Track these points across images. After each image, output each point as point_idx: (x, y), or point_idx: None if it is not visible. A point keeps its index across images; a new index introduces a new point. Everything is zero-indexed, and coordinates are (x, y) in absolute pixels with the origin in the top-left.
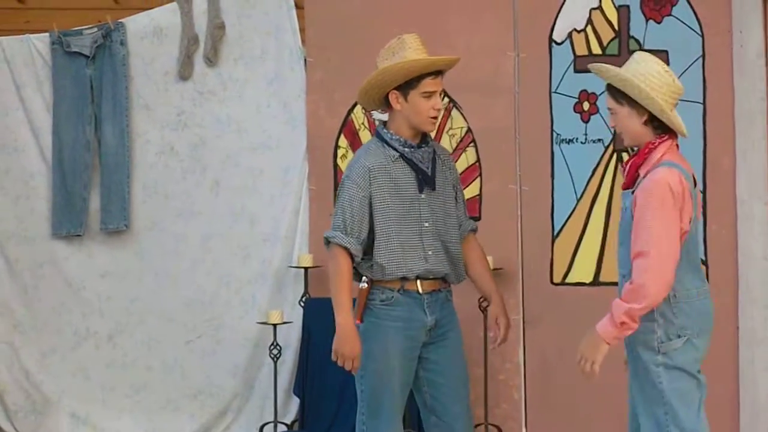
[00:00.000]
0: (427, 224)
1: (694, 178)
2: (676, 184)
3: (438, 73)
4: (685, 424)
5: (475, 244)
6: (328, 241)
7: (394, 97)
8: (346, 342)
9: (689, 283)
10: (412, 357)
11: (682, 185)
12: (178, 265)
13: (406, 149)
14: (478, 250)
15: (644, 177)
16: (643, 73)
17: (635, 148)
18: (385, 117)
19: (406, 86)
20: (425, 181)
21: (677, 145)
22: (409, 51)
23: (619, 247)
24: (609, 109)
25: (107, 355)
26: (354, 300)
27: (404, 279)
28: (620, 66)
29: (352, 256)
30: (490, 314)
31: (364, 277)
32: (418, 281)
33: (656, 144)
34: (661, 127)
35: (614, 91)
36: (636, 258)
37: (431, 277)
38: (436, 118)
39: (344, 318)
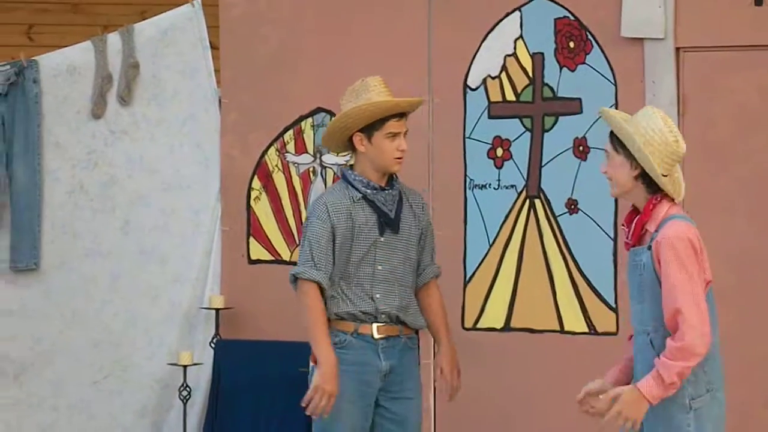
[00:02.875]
0: (380, 267)
1: None
2: (695, 237)
3: (402, 114)
4: None
5: (435, 291)
6: (294, 278)
7: (359, 139)
8: (330, 380)
9: (713, 338)
10: (367, 403)
11: (700, 240)
12: (86, 304)
13: (369, 191)
14: (436, 298)
15: (656, 232)
16: (645, 127)
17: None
18: (299, 159)
19: (369, 128)
20: (387, 223)
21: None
22: (373, 93)
23: (636, 304)
24: (606, 151)
25: (13, 395)
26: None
27: (358, 321)
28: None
29: (322, 291)
30: (435, 363)
31: (326, 317)
32: (373, 326)
33: (659, 200)
34: (652, 186)
35: (614, 137)
36: (677, 315)
37: (384, 319)
38: (401, 158)
39: (326, 354)
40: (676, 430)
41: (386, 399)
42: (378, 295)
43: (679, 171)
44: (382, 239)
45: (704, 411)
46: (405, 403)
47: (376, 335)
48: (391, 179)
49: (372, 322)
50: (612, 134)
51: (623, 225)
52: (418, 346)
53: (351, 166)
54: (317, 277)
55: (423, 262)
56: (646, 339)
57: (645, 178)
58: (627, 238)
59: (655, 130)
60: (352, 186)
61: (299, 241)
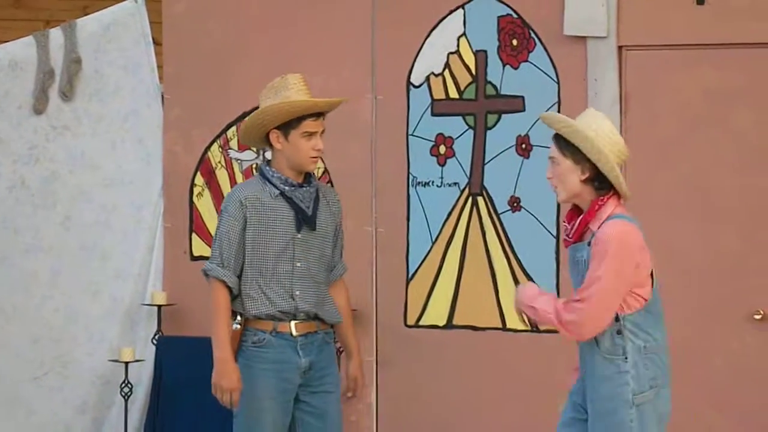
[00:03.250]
0: (299, 264)
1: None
2: (634, 237)
3: (319, 114)
4: None
5: (343, 290)
6: (206, 274)
7: (275, 136)
8: (224, 376)
9: (657, 334)
10: (287, 399)
11: (639, 239)
12: (26, 300)
13: (287, 187)
14: (344, 297)
15: (598, 229)
16: (596, 128)
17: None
18: (242, 156)
19: (286, 126)
20: (304, 220)
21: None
22: (292, 91)
23: None
24: (550, 158)
25: None
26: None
27: (276, 320)
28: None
29: (230, 289)
30: (349, 373)
31: (237, 318)
32: (292, 323)
33: (605, 201)
34: (601, 188)
35: (561, 142)
36: (580, 301)
37: (303, 317)
38: (316, 158)
39: (222, 352)
40: (620, 425)
41: (306, 394)
42: (298, 292)
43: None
44: (299, 236)
45: (647, 407)
46: (325, 396)
47: (295, 333)
48: (308, 176)
49: (290, 320)
50: (558, 139)
51: (564, 222)
52: (335, 341)
53: (268, 162)
54: (223, 275)
55: (333, 260)
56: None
57: (593, 181)
58: (567, 235)
59: (606, 131)
60: (270, 182)
61: None
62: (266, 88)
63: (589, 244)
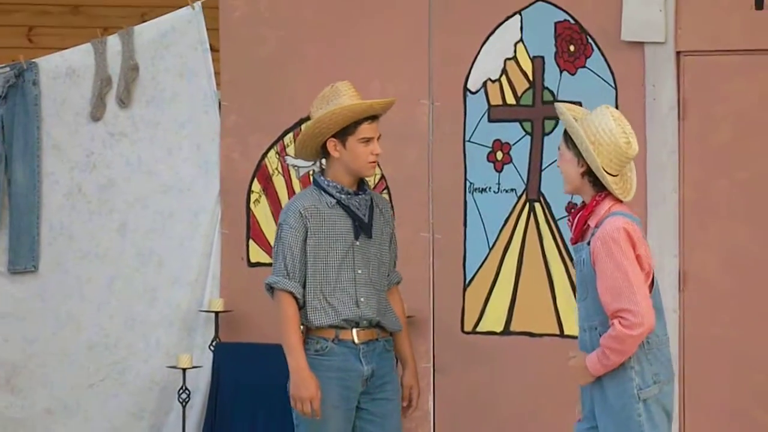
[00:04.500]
0: (360, 271)
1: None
2: (634, 231)
3: (374, 117)
4: None
5: (398, 298)
6: (270, 287)
7: (332, 145)
8: (302, 385)
9: (659, 330)
10: (349, 407)
11: (638, 232)
12: (82, 307)
13: (343, 196)
14: (399, 305)
15: (596, 227)
16: (596, 126)
17: (576, 203)
18: (299, 163)
19: (343, 133)
20: (361, 228)
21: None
22: (344, 98)
23: (580, 302)
24: (558, 148)
25: (4, 398)
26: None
27: (338, 328)
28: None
29: (297, 300)
30: (405, 383)
31: (300, 327)
32: (354, 330)
33: (603, 197)
34: (598, 184)
35: (567, 134)
36: (622, 313)
37: (365, 324)
38: (375, 162)
39: (297, 362)
40: (629, 420)
41: (367, 401)
42: (363, 299)
43: (632, 171)
44: (357, 243)
45: (653, 402)
46: (385, 404)
47: (357, 340)
48: (362, 184)
49: (352, 328)
50: (566, 130)
51: (568, 220)
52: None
53: (322, 171)
54: (291, 287)
55: (389, 267)
56: (594, 334)
57: (591, 175)
58: (571, 233)
59: (606, 130)
60: (326, 192)
61: None
62: (317, 98)
63: (588, 243)
